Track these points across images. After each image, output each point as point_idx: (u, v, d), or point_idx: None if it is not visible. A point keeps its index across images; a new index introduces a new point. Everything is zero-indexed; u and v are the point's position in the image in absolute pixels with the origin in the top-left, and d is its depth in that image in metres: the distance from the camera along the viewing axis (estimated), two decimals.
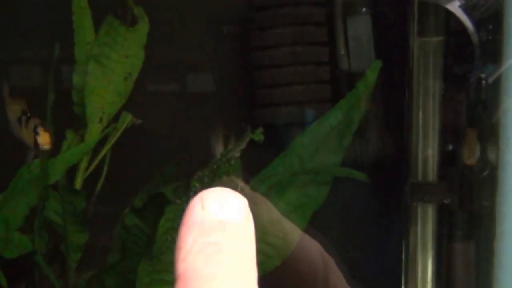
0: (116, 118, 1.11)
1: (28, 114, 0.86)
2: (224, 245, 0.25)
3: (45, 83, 1.27)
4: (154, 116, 1.20)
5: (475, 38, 1.06)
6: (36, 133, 0.83)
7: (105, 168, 1.11)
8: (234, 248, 0.25)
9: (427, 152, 1.10)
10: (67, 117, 1.10)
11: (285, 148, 1.02)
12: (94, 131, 1.09)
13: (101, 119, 1.09)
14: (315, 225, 1.01)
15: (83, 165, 1.08)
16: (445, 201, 1.09)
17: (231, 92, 1.25)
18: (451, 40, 1.11)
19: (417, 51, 1.10)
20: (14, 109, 0.87)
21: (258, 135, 0.78)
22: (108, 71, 1.09)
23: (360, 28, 1.18)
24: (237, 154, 0.76)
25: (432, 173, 1.10)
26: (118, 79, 1.10)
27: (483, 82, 1.05)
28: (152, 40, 1.11)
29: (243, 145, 0.76)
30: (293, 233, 0.66)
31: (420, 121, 1.10)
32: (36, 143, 0.82)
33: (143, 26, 1.09)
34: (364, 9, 1.18)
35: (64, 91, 1.11)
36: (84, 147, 1.07)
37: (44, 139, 0.83)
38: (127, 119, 1.11)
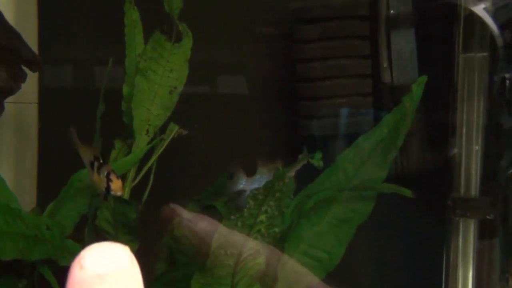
0: (162, 129, 1.13)
1: (101, 161, 0.92)
2: None
3: (80, 84, 1.30)
4: (200, 127, 1.22)
5: (499, 40, 1.06)
6: (109, 180, 0.88)
7: (152, 177, 1.13)
8: None
9: (470, 167, 1.11)
10: (115, 126, 1.13)
11: (327, 159, 1.03)
12: (141, 143, 1.11)
13: (147, 131, 1.12)
14: (355, 238, 1.02)
15: (131, 175, 1.10)
16: (488, 217, 1.10)
17: (278, 100, 1.26)
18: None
19: (462, 66, 1.10)
20: (87, 154, 0.94)
21: (318, 161, 0.79)
22: (154, 85, 1.11)
23: (403, 42, 1.18)
24: (292, 173, 0.78)
25: (474, 188, 1.11)
26: (164, 92, 1.12)
27: (507, 82, 1.06)
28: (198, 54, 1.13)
29: (298, 166, 0.77)
30: None
31: (464, 136, 1.11)
32: (107, 188, 0.88)
33: (188, 42, 1.11)
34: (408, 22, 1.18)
35: (112, 98, 1.13)
36: (132, 158, 1.09)
37: (117, 186, 0.89)
38: (174, 130, 1.13)
